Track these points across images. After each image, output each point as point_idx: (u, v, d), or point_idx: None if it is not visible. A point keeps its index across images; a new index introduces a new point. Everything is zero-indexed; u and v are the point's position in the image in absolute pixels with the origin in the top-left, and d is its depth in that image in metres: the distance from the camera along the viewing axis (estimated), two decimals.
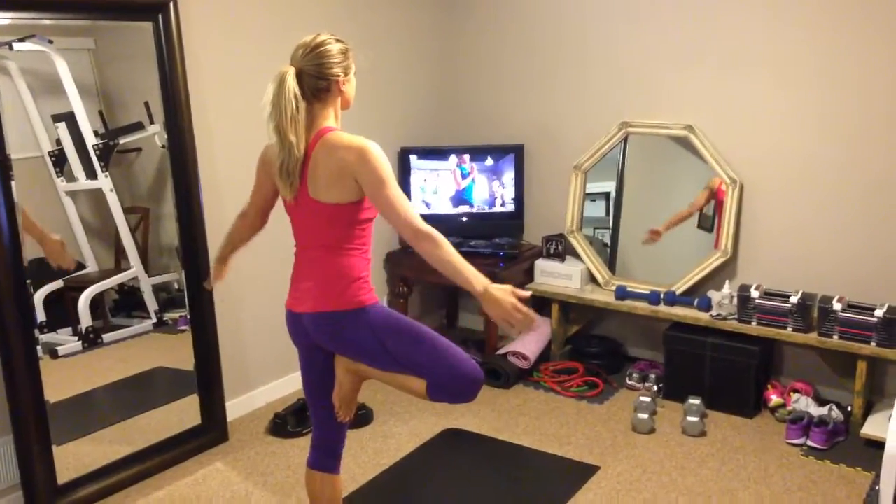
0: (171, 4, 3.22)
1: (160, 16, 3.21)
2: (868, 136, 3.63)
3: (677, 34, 4.03)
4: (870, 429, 3.47)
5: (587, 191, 4.40)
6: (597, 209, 4.44)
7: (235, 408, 3.79)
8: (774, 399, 3.78)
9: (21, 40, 3.04)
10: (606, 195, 4.43)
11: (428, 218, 4.37)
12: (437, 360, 2.36)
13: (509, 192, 4.57)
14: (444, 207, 4.58)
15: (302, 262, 2.44)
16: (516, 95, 4.61)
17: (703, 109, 4.02)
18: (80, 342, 3.29)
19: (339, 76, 2.30)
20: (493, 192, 4.59)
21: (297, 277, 2.46)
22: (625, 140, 4.25)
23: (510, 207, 4.60)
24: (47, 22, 3.04)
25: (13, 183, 2.83)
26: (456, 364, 2.36)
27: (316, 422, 2.61)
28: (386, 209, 2.27)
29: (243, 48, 3.61)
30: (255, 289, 3.85)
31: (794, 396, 3.74)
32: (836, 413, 3.59)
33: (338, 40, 2.32)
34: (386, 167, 2.24)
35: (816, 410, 3.62)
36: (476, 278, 2.28)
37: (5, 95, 2.84)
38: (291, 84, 2.22)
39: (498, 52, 4.63)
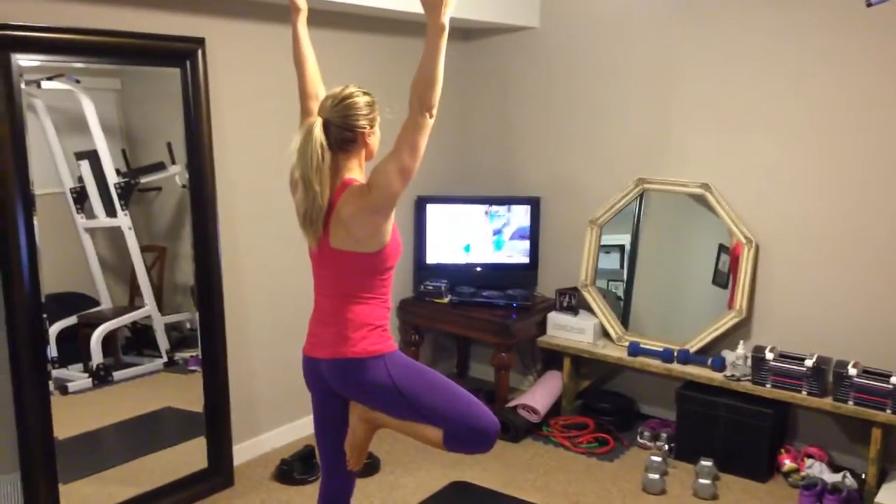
0: (200, 52, 3.29)
1: (188, 62, 3.27)
2: (886, 199, 3.62)
3: (694, 94, 4.06)
4: (884, 498, 3.40)
5: (602, 243, 4.40)
6: (611, 261, 4.44)
7: (242, 452, 3.77)
8: (788, 464, 3.73)
9: (49, 79, 3.09)
10: (621, 248, 4.43)
11: (440, 267, 4.49)
12: (456, 410, 2.35)
13: (524, 244, 4.58)
14: (458, 257, 4.59)
15: (322, 308, 2.44)
16: (535, 149, 4.65)
17: (719, 168, 4.03)
18: (90, 379, 3.28)
19: (365, 128, 2.33)
20: (508, 243, 4.59)
21: (315, 323, 2.46)
22: (641, 196, 4.27)
23: (524, 259, 4.60)
24: (78, 65, 3.09)
25: (35, 218, 2.86)
26: (474, 415, 2.36)
27: (325, 469, 2.59)
28: (402, 159, 2.17)
29: (267, 95, 3.66)
30: (268, 332, 3.85)
31: (808, 462, 3.68)
32: (850, 480, 3.53)
33: (365, 93, 2.36)
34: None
35: (830, 477, 3.56)
36: (435, 35, 2.10)
37: (31, 132, 2.87)
38: (318, 134, 2.25)
39: (518, 107, 4.68)
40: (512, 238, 4.58)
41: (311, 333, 2.47)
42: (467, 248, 4.58)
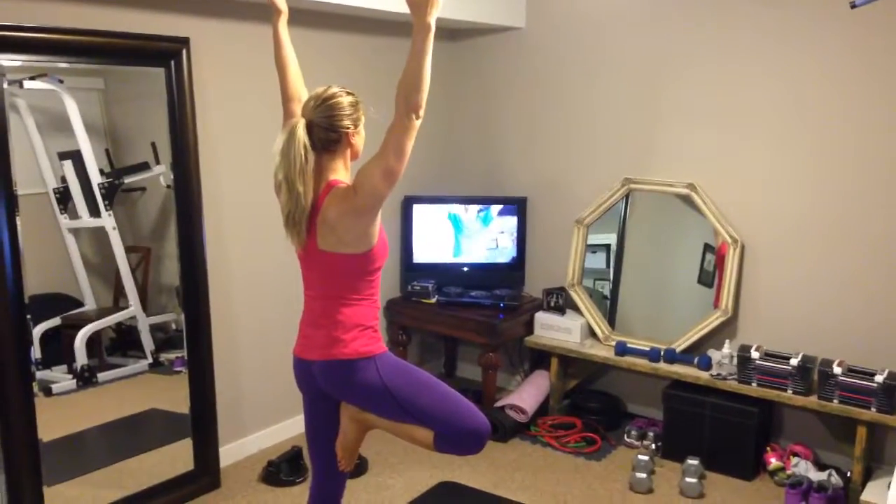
0: (184, 52, 3.27)
1: (173, 62, 3.25)
2: (872, 198, 3.64)
3: (681, 95, 4.07)
4: (869, 496, 3.42)
5: (588, 242, 4.40)
6: (597, 261, 4.44)
7: (228, 453, 3.74)
8: (774, 462, 3.75)
9: (32, 79, 3.07)
10: (607, 247, 4.44)
11: (428, 267, 4.48)
12: (446, 411, 2.35)
13: (511, 244, 4.58)
14: (445, 257, 4.59)
15: (312, 309, 2.43)
16: (522, 149, 4.65)
17: (705, 168, 4.04)
18: (74, 380, 3.26)
19: (349, 128, 2.32)
20: (495, 243, 4.59)
21: (306, 324, 2.45)
22: (627, 195, 4.27)
23: (512, 259, 4.60)
24: (62, 65, 3.07)
25: (18, 219, 2.84)
26: (465, 416, 2.36)
27: (316, 470, 2.58)
28: (388, 162, 2.15)
29: (252, 94, 3.64)
30: (255, 332, 3.83)
31: (794, 460, 3.70)
32: (836, 479, 3.55)
33: (348, 93, 2.35)
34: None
35: (816, 475, 3.57)
36: (422, 35, 2.08)
37: (13, 132, 2.85)
38: (301, 135, 2.23)
39: (504, 107, 4.68)
40: (500, 214, 4.57)
41: (301, 335, 2.46)
42: (453, 218, 4.56)
